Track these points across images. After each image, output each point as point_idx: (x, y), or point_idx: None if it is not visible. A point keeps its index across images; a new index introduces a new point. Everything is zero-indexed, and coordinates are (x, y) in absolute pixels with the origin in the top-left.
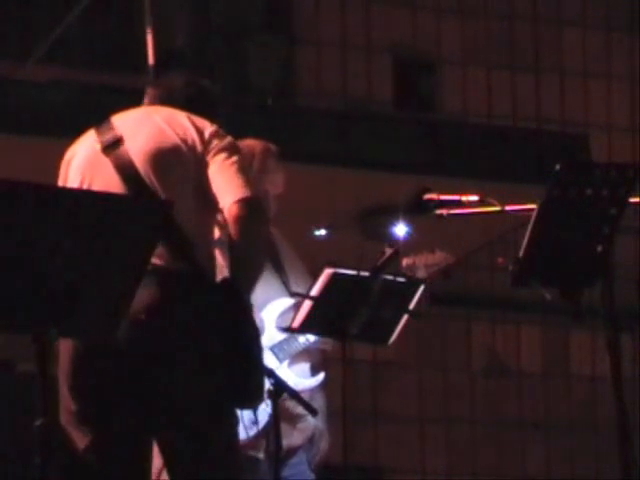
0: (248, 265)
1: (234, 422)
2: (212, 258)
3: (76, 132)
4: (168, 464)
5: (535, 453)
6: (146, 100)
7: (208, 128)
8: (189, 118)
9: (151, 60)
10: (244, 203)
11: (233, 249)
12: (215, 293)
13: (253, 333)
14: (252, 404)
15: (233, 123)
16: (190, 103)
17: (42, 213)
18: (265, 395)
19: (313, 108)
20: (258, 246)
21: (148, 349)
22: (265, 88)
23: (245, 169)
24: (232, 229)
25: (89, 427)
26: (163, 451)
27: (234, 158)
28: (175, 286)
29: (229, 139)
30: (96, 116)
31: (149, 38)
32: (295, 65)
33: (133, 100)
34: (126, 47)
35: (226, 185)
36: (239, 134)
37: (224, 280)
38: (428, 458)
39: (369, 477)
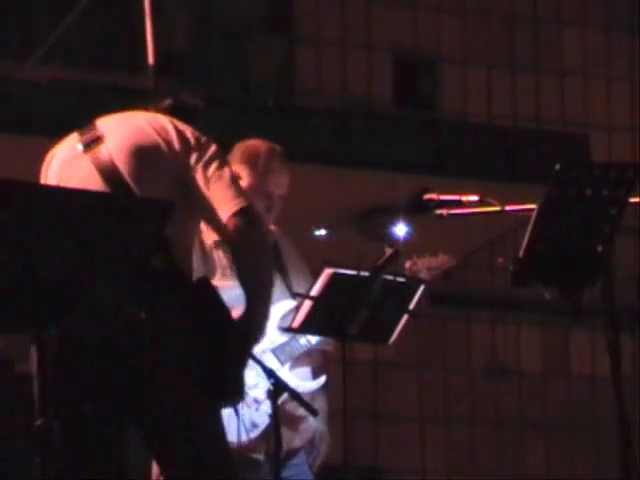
0: (252, 276)
1: (215, 418)
2: (189, 257)
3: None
4: (159, 465)
5: (535, 453)
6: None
7: (189, 131)
8: (170, 120)
9: (151, 60)
10: (240, 215)
11: (238, 262)
12: (191, 291)
13: (231, 331)
14: (229, 400)
15: (234, 123)
16: (165, 113)
17: (40, 213)
18: (266, 396)
19: (313, 108)
20: (259, 257)
21: (122, 347)
22: (265, 88)
23: (236, 179)
24: (233, 242)
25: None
26: (154, 454)
27: (224, 169)
28: (152, 284)
29: (215, 146)
30: (95, 116)
31: (149, 38)
32: (295, 65)
33: (132, 100)
34: (126, 47)
35: (220, 200)
36: (239, 134)
37: (200, 279)
38: (428, 458)
39: (369, 477)
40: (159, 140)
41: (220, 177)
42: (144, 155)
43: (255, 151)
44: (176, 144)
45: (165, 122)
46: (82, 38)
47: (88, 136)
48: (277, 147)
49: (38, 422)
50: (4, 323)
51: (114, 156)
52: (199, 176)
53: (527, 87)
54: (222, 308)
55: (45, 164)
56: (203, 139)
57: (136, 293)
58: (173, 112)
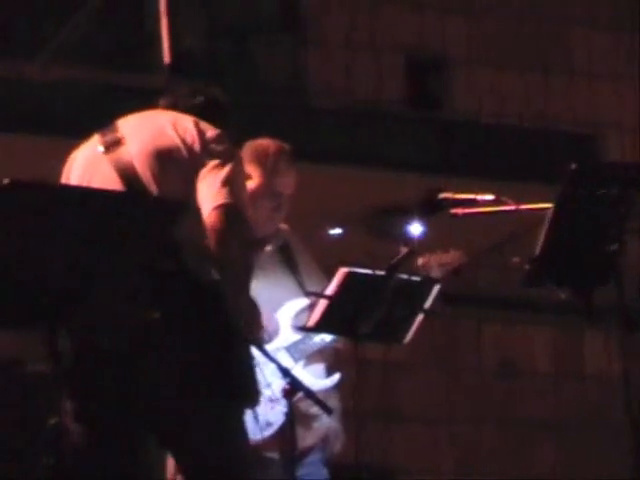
0: (229, 271)
1: (233, 421)
2: (202, 259)
3: (86, 132)
4: (177, 465)
5: (547, 454)
6: (159, 108)
7: (209, 131)
8: (194, 121)
9: (167, 59)
10: (221, 210)
11: (214, 255)
12: (202, 295)
13: (237, 336)
14: (246, 404)
15: (243, 123)
16: (195, 111)
17: (52, 211)
18: (281, 394)
19: (323, 108)
20: (235, 252)
21: (137, 348)
22: (275, 88)
23: (233, 178)
24: (210, 236)
25: (84, 426)
26: (171, 454)
27: (226, 166)
28: (161, 285)
29: (226, 146)
30: (106, 116)
31: (165, 37)
32: (305, 65)
33: (144, 100)
34: (137, 47)
35: (208, 192)
36: (249, 134)
37: (209, 282)
38: (439, 458)
39: (381, 477)
40: (179, 142)
41: (215, 173)
42: (164, 157)
43: (264, 150)
44: (197, 146)
45: (188, 123)
46: (92, 38)
47: (109, 138)
48: (286, 146)
49: (52, 421)
50: (14, 322)
51: (134, 158)
52: (201, 171)
53: (537, 87)
54: (226, 311)
55: (67, 166)
56: (220, 138)
57: (147, 294)
58: (204, 109)
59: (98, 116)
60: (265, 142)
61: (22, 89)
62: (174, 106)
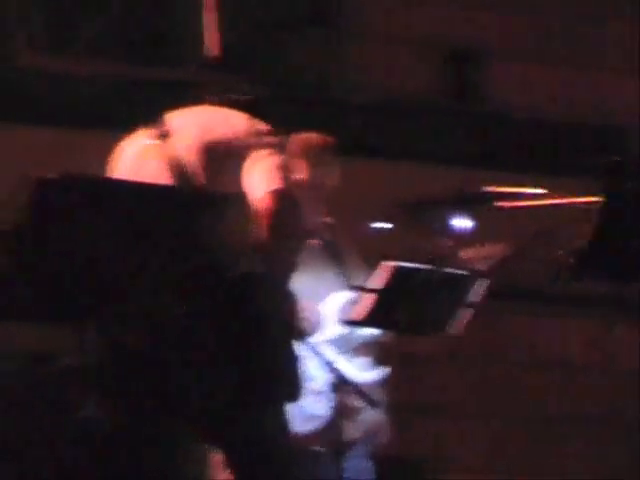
0: (275, 255)
1: (274, 417)
2: (245, 252)
3: (122, 125)
4: (226, 463)
5: (578, 449)
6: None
7: (259, 125)
8: (243, 116)
9: (215, 53)
10: (275, 194)
11: (260, 241)
12: (238, 288)
13: (278, 330)
14: (289, 400)
15: (279, 117)
16: (248, 107)
17: (99, 205)
18: (325, 388)
19: (361, 102)
20: (285, 236)
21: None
22: (308, 82)
23: (285, 166)
24: (260, 219)
25: (115, 421)
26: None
27: (276, 156)
28: (202, 280)
29: (276, 138)
30: (140, 109)
31: (209, 32)
32: (341, 58)
33: (176, 94)
34: (167, 40)
35: (259, 178)
36: (286, 128)
37: (250, 275)
38: (487, 454)
39: (428, 472)
40: (230, 136)
41: (266, 162)
42: (213, 151)
43: (307, 144)
44: (246, 139)
45: (239, 118)
46: (126, 31)
47: (158, 131)
48: (328, 139)
49: (80, 414)
50: (52, 315)
51: (183, 152)
52: (251, 162)
53: (577, 81)
54: (272, 304)
55: (114, 158)
56: (270, 131)
57: (184, 288)
58: (250, 107)
59: (133, 110)
60: (308, 136)
61: (59, 83)
62: (222, 101)
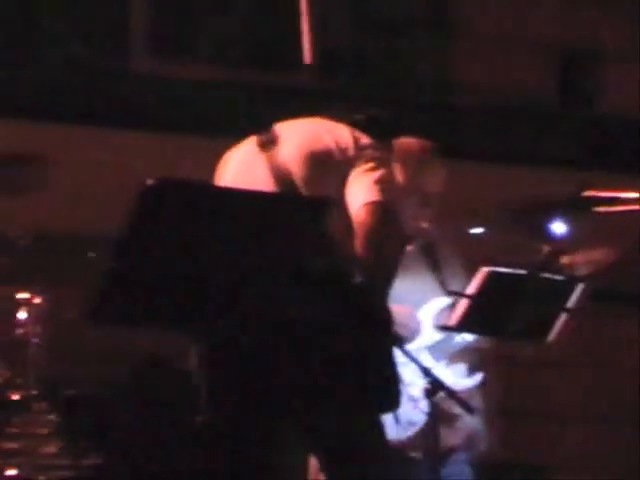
0: (373, 269)
1: (375, 427)
2: (349, 261)
3: (238, 132)
4: (321, 465)
5: None
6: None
7: (363, 139)
8: (350, 129)
9: (308, 60)
10: (372, 207)
11: (359, 254)
12: (351, 297)
13: (386, 339)
14: (388, 410)
15: (394, 122)
16: (355, 127)
17: (207, 212)
18: (422, 394)
19: (473, 105)
20: (383, 250)
21: (284, 349)
22: (421, 85)
23: (386, 180)
24: (358, 232)
25: (228, 424)
26: (315, 454)
27: (378, 170)
28: (315, 287)
29: (380, 152)
30: (257, 116)
31: (305, 37)
32: (455, 61)
33: (290, 99)
34: (284, 46)
35: (359, 190)
36: (396, 132)
37: (360, 283)
38: (592, 458)
39: (532, 477)
40: (334, 147)
41: (367, 175)
42: (318, 161)
43: (408, 149)
44: (350, 152)
45: (343, 130)
46: (245, 38)
47: (265, 139)
48: (430, 144)
49: (199, 418)
50: (169, 322)
51: (289, 160)
52: (353, 173)
53: None
54: (382, 314)
55: (222, 163)
56: (374, 145)
57: (296, 294)
58: (364, 126)
59: (251, 116)
60: (409, 141)
61: (176, 89)
62: (336, 119)
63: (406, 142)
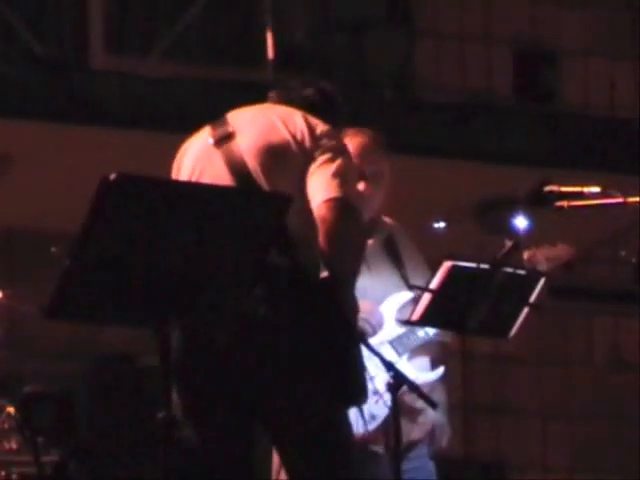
0: (337, 264)
1: (342, 420)
2: (314, 257)
3: (196, 127)
4: (283, 464)
5: None
6: (268, 102)
7: (320, 127)
8: (304, 117)
9: (270, 55)
10: (332, 203)
11: (322, 250)
12: (314, 292)
13: (351, 334)
14: (355, 403)
15: (352, 118)
16: (308, 104)
17: (162, 206)
18: (385, 388)
19: (433, 101)
20: (345, 246)
21: (248, 345)
22: (384, 82)
23: (345, 172)
24: (320, 229)
25: (193, 423)
26: (278, 452)
27: (336, 161)
28: (277, 282)
29: (336, 141)
30: (215, 111)
31: (268, 34)
32: (414, 58)
33: (252, 95)
34: (246, 42)
35: (318, 185)
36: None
37: (324, 279)
38: (549, 454)
39: (490, 472)
40: (289, 138)
41: (326, 168)
42: (274, 152)
43: (360, 140)
44: (307, 142)
45: (298, 119)
46: (202, 34)
47: (220, 131)
48: (376, 135)
49: (160, 415)
50: (128, 318)
51: (244, 152)
52: (312, 166)
53: None
54: (344, 308)
55: (178, 157)
56: (330, 133)
57: (256, 289)
58: (313, 102)
59: (208, 111)
60: (353, 131)
61: (134, 85)
62: (283, 99)
63: (351, 133)
